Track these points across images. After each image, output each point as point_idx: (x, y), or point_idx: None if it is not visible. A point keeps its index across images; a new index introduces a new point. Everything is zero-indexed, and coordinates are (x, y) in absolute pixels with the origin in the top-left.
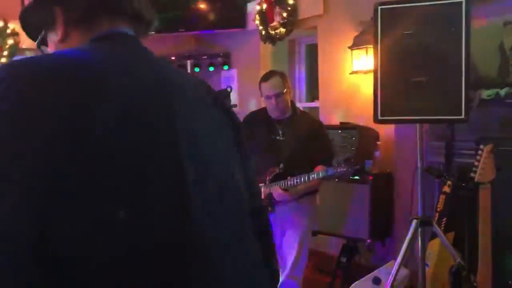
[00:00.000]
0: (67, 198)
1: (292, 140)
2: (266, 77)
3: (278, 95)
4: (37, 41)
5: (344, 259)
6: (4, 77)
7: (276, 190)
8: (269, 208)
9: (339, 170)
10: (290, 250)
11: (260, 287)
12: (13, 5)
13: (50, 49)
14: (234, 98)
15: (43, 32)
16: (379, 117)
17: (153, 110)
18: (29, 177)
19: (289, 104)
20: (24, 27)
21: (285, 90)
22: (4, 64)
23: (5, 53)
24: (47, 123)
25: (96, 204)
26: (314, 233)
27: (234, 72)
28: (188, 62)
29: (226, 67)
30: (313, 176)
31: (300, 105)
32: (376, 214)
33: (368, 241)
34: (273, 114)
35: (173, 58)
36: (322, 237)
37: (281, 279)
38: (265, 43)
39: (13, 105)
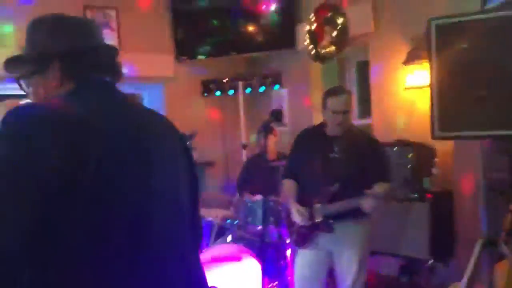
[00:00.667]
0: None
1: (348, 158)
2: (336, 92)
3: (346, 112)
4: (19, 77)
5: (404, 279)
6: (17, 119)
7: (368, 201)
8: (328, 229)
9: (399, 192)
10: (348, 270)
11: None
12: None
13: (33, 88)
14: (285, 117)
15: (24, 72)
16: (438, 134)
17: (129, 147)
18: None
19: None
20: (10, 64)
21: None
22: (15, 108)
23: None
24: (53, 153)
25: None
26: (371, 253)
27: (284, 92)
28: (240, 84)
29: (276, 87)
30: (386, 189)
31: (352, 122)
32: (437, 233)
33: (430, 261)
34: (334, 130)
35: (225, 80)
36: (377, 257)
37: None
38: (315, 62)
39: (29, 137)
